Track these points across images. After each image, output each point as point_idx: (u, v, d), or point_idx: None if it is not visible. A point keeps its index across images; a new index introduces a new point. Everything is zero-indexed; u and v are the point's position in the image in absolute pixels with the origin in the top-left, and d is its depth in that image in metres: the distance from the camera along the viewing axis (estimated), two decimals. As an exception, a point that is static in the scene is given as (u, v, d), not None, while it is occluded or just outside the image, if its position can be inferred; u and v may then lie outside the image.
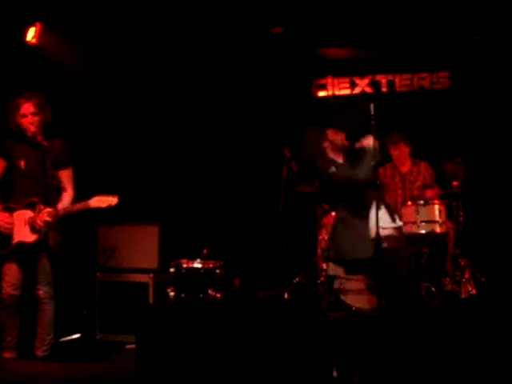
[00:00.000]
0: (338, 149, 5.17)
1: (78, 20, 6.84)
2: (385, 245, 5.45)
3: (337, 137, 5.36)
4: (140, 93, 7.95)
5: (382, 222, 5.00)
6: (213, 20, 7.57)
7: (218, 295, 5.92)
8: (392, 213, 6.03)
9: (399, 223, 6.25)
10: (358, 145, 5.11)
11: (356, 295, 5.93)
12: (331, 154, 5.35)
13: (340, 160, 5.37)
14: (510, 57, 7.79)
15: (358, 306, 5.92)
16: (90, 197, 5.10)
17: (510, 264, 6.99)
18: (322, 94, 8.56)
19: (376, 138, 4.66)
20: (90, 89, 7.17)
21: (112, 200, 5.10)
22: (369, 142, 4.97)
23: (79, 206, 5.14)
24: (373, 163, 4.95)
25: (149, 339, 4.11)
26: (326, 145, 5.18)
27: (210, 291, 5.89)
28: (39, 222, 5.06)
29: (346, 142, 5.52)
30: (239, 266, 7.01)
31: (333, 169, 5.54)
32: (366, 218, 5.54)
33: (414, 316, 5.48)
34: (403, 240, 6.17)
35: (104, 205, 5.10)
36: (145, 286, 6.40)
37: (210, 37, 7.83)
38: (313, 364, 3.84)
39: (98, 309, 6.50)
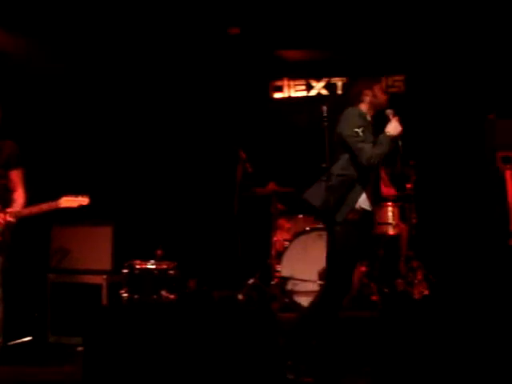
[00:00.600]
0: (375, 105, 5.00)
1: (32, 18, 6.76)
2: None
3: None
4: (93, 93, 7.86)
5: None
6: (170, 19, 7.54)
7: (172, 296, 5.91)
8: None
9: None
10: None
11: (309, 297, 5.97)
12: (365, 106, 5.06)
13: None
14: (463, 63, 7.93)
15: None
16: (56, 197, 5.06)
17: (461, 265, 7.10)
18: (278, 95, 8.58)
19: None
20: (42, 89, 7.07)
21: (83, 200, 5.09)
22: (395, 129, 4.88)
23: (46, 206, 5.09)
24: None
25: (98, 342, 4.06)
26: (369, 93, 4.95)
27: (163, 292, 5.88)
28: (1, 222, 4.98)
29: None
30: (194, 267, 7.00)
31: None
32: None
33: (366, 316, 5.58)
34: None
35: (75, 204, 5.08)
36: (98, 287, 6.32)
37: (168, 36, 7.80)
38: (265, 366, 3.84)
39: (50, 311, 6.41)
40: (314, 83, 8.52)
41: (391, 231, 6.38)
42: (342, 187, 4.66)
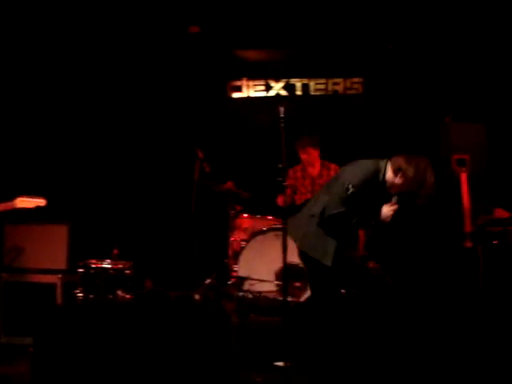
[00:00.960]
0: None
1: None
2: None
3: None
4: (47, 92, 7.78)
5: None
6: (129, 17, 7.50)
7: (128, 296, 5.85)
8: None
9: None
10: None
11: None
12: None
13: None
14: (420, 66, 8.03)
15: (268, 307, 5.98)
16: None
17: (416, 266, 7.18)
18: (236, 95, 8.58)
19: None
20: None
21: (40, 201, 5.02)
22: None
23: (1, 206, 5.00)
24: None
25: (49, 341, 4.01)
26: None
27: (119, 292, 5.82)
28: None
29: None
30: (150, 266, 6.96)
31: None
32: None
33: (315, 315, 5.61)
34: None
35: (31, 205, 5.00)
36: (52, 287, 6.25)
37: (127, 34, 7.75)
38: (218, 365, 3.84)
39: (2, 311, 6.30)
40: (273, 83, 8.54)
41: (348, 232, 6.40)
42: None
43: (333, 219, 4.65)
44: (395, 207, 4.69)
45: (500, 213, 6.37)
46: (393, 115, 8.13)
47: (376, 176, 4.68)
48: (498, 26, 7.56)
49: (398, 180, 4.63)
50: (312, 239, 4.78)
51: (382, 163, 4.71)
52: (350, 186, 4.55)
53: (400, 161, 4.65)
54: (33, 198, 5.01)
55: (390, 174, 4.68)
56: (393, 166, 4.66)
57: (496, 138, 6.94)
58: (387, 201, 4.71)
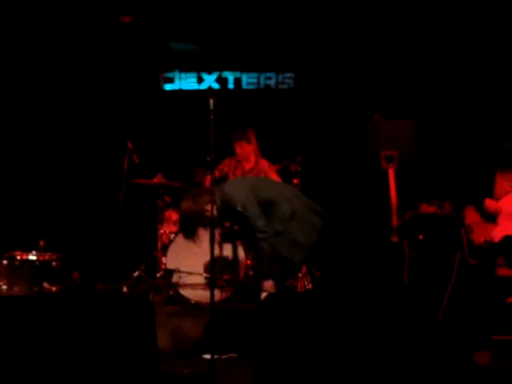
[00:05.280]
0: None
1: None
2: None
3: None
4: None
5: None
6: (60, 5, 7.36)
7: (54, 288, 5.76)
8: None
9: None
10: None
11: (195, 289, 5.98)
12: None
13: None
14: (351, 62, 8.15)
15: (196, 299, 5.97)
16: None
17: (343, 260, 7.30)
18: (168, 87, 8.52)
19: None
20: None
21: None
22: None
23: None
24: None
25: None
26: None
27: (45, 284, 5.72)
28: None
29: None
30: (78, 258, 6.85)
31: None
32: None
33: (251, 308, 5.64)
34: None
35: None
36: (-26, 279, 6.08)
37: (57, 23, 7.60)
38: (142, 358, 3.82)
39: None
40: (205, 76, 8.53)
41: (277, 226, 6.44)
42: None
43: None
44: None
45: (426, 208, 6.53)
46: (323, 111, 8.23)
47: None
48: (423, 22, 7.74)
49: None
50: None
51: None
52: None
53: None
54: None
55: None
56: None
57: (424, 134, 7.10)
58: None
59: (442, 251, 6.12)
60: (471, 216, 6.00)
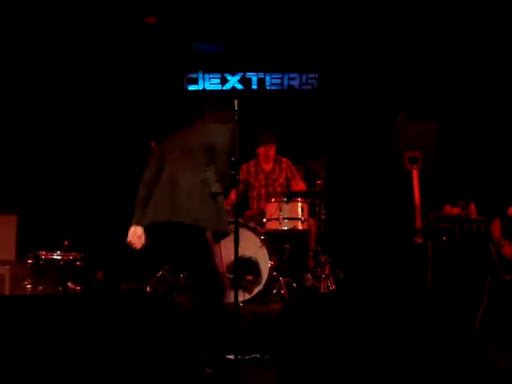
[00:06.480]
0: None
1: None
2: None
3: None
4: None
5: None
6: (84, 6, 7.40)
7: (78, 288, 5.80)
8: None
9: None
10: None
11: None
12: None
13: None
14: (375, 63, 8.12)
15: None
16: None
17: (367, 261, 7.28)
18: (192, 88, 8.54)
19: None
20: None
21: None
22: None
23: None
24: None
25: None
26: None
27: (69, 284, 5.76)
28: None
29: None
30: (101, 258, 6.88)
31: None
32: None
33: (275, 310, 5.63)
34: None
35: None
36: (1, 278, 6.14)
37: (83, 23, 7.64)
38: (168, 358, 3.83)
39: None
40: (229, 77, 8.54)
41: (300, 226, 6.44)
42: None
43: None
44: None
45: (450, 210, 6.48)
46: (347, 112, 8.20)
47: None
48: (449, 24, 7.70)
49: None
50: None
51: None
52: None
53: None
54: None
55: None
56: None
57: (448, 136, 7.07)
58: None
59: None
60: (499, 229, 5.82)
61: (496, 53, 7.77)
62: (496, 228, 5.64)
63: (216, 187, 4.70)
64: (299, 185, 6.94)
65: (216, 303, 4.64)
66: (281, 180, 6.99)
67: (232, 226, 4.79)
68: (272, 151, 6.97)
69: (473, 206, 6.39)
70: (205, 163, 4.70)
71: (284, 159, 7.07)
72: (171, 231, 4.71)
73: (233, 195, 6.60)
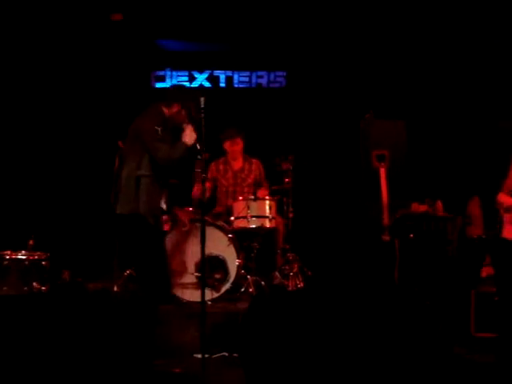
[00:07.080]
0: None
1: None
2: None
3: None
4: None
5: None
6: (50, 3, 7.32)
7: (44, 288, 5.74)
8: None
9: None
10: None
11: (186, 288, 5.96)
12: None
13: None
14: (344, 62, 8.15)
15: (187, 299, 5.96)
16: None
17: (335, 259, 7.30)
18: (160, 85, 8.48)
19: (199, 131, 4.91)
20: None
21: None
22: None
23: None
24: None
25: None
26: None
27: (35, 284, 5.70)
28: None
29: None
30: (68, 258, 6.82)
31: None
32: None
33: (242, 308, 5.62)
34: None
35: None
36: (-37, 278, 6.05)
37: (47, 21, 7.55)
38: (134, 357, 3.81)
39: None
40: (196, 74, 8.50)
41: (268, 224, 6.44)
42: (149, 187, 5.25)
43: None
44: (190, 126, 5.27)
45: (417, 207, 6.54)
46: (315, 110, 8.23)
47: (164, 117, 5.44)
48: (415, 22, 7.75)
49: (173, 109, 5.45)
50: None
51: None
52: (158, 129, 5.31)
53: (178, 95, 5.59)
54: None
55: (166, 111, 5.47)
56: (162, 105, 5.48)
57: (415, 134, 7.12)
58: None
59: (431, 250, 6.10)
60: (475, 208, 5.86)
61: (462, 52, 7.86)
62: (475, 206, 5.69)
63: (142, 171, 5.27)
64: (263, 191, 6.89)
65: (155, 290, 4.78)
66: (249, 180, 6.95)
67: (199, 225, 4.78)
68: (238, 146, 6.92)
69: (440, 204, 6.46)
70: (138, 150, 5.34)
71: (254, 160, 7.04)
72: (121, 223, 5.08)
73: (196, 192, 6.50)
